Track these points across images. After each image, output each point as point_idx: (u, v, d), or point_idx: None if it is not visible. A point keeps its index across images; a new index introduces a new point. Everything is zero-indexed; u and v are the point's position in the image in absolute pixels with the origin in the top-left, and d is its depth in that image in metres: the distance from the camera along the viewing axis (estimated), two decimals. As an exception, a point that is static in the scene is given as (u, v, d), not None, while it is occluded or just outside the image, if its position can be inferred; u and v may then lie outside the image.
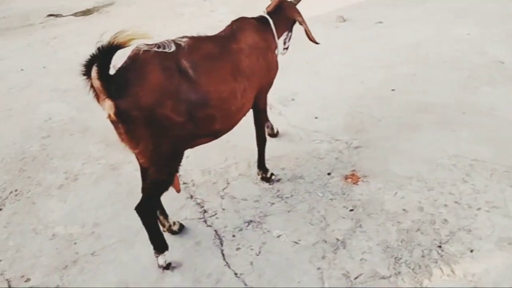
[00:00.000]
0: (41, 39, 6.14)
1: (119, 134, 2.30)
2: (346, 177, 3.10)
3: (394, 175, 3.03)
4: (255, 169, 3.29)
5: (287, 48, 3.19)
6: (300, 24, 3.03)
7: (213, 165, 3.36)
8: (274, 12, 2.96)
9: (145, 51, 2.28)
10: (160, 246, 2.59)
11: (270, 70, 2.90)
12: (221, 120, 2.53)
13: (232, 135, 3.50)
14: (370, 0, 5.67)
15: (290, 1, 3.08)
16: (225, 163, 3.40)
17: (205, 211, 2.98)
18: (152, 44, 2.33)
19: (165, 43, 2.37)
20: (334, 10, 5.51)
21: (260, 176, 3.20)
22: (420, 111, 3.61)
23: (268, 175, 3.18)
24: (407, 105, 3.71)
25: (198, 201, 3.07)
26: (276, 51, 2.98)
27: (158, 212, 2.70)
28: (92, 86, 2.15)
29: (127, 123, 2.23)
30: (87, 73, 2.14)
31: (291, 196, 3.01)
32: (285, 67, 4.40)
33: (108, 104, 2.16)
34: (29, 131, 4.10)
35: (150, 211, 2.51)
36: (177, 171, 2.51)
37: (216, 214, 2.95)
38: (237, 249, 2.68)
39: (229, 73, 2.54)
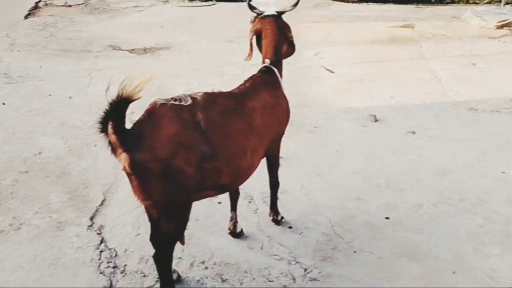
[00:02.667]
0: (86, 68, 6.24)
1: (132, 186, 2.38)
2: (281, 315, 2.63)
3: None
4: (198, 271, 2.92)
5: None
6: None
7: (155, 254, 3.01)
8: (275, 54, 3.01)
9: (161, 104, 2.40)
10: None
11: (281, 123, 3.01)
12: (229, 174, 2.59)
13: (200, 231, 3.20)
14: (415, 104, 5.15)
15: (280, 19, 3.08)
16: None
17: (111, 310, 2.63)
18: (169, 98, 2.45)
19: (181, 96, 2.48)
20: (369, 106, 5.06)
21: (271, 218, 3.32)
22: (406, 256, 3.05)
23: (279, 218, 3.31)
24: (395, 243, 3.16)
25: (114, 295, 2.74)
26: (286, 100, 3.05)
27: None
28: (109, 141, 2.26)
29: (141, 175, 2.31)
30: (103, 129, 2.25)
31: (211, 320, 2.59)
32: (288, 160, 4.04)
33: (124, 156, 2.26)
34: (13, 162, 4.04)
35: (165, 260, 2.55)
36: (186, 222, 2.55)
37: (121, 317, 2.59)
38: None
39: (240, 130, 2.62)
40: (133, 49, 7.06)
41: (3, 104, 5.11)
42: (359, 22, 8.21)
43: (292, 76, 6.00)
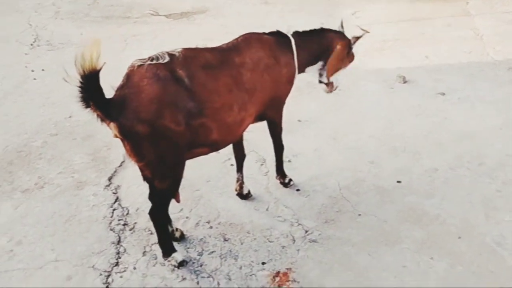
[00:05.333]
0: (123, 34, 6.40)
1: (126, 150, 2.47)
2: (276, 274, 2.68)
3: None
4: (203, 230, 3.02)
5: (328, 85, 3.22)
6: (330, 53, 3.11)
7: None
8: (307, 34, 3.08)
9: (139, 66, 2.41)
10: (167, 250, 2.71)
11: (277, 86, 2.92)
12: (217, 130, 2.60)
13: (210, 192, 3.28)
14: (450, 64, 4.90)
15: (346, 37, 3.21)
16: (178, 213, 3.16)
17: (116, 264, 2.79)
18: (145, 58, 2.44)
19: (158, 54, 2.46)
20: (400, 67, 4.87)
21: (278, 181, 3.32)
22: (411, 220, 2.99)
23: (286, 181, 3.30)
24: (403, 207, 3.10)
25: (120, 250, 2.89)
26: (291, 70, 2.99)
27: None
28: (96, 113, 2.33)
29: (131, 139, 2.39)
30: (87, 105, 2.32)
31: (208, 276, 2.68)
32: (306, 123, 4.02)
33: (112, 125, 2.34)
34: (44, 125, 4.27)
35: (160, 217, 2.66)
36: (180, 180, 2.62)
37: (125, 271, 2.74)
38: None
39: (225, 85, 2.60)
40: (170, 14, 7.14)
41: (42, 70, 5.37)
42: (404, -22, 7.81)
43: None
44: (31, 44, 6.14)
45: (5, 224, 3.11)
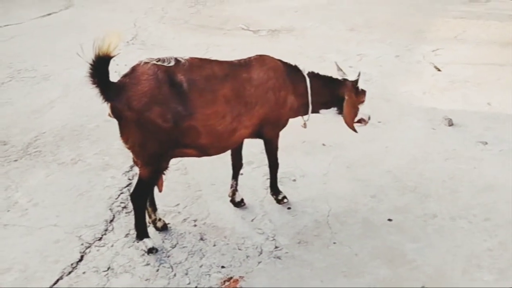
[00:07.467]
0: (208, 43, 6.87)
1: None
2: (228, 279, 2.81)
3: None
4: (186, 227, 3.24)
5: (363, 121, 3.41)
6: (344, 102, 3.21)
7: (162, 205, 3.36)
8: (321, 78, 3.23)
9: (145, 63, 2.72)
10: (140, 234, 2.97)
11: (279, 108, 3.06)
12: (206, 135, 2.81)
13: (210, 194, 3.50)
14: (509, 115, 4.55)
15: (349, 82, 3.24)
16: (173, 207, 3.42)
17: (100, 239, 3.11)
18: (155, 58, 2.74)
19: (165, 58, 2.74)
20: (454, 109, 4.60)
21: (273, 197, 3.42)
22: (384, 258, 2.91)
23: (279, 198, 3.40)
24: (381, 244, 3.02)
25: (109, 228, 3.23)
26: (299, 102, 3.14)
27: (148, 203, 3.06)
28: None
29: (120, 122, 2.73)
30: (93, 82, 2.65)
31: (169, 267, 2.90)
32: (329, 148, 4.04)
33: (108, 105, 2.69)
34: (105, 111, 4.78)
35: (139, 201, 2.91)
36: (160, 172, 2.88)
37: (103, 246, 3.05)
38: None
39: (223, 95, 2.81)
40: (258, 30, 7.47)
41: (125, 65, 5.96)
42: (508, 22, 7.33)
43: (392, 68, 5.78)
44: (127, 42, 6.85)
45: (33, 187, 3.62)
